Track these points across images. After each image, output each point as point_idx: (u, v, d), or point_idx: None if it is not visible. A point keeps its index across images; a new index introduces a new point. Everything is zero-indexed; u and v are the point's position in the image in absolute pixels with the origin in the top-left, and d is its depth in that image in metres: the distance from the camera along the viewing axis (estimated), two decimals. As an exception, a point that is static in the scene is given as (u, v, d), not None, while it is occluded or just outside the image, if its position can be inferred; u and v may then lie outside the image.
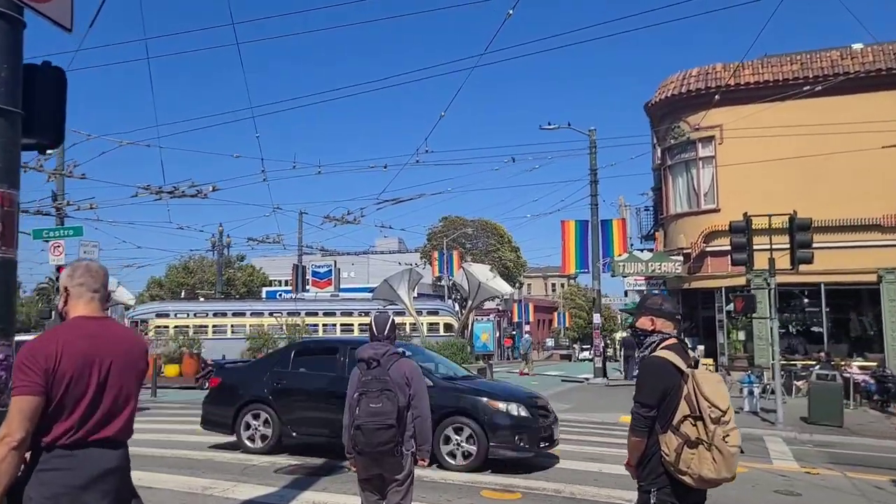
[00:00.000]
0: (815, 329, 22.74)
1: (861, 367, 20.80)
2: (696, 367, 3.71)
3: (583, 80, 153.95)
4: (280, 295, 49.33)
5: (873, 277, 21.22)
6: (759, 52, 24.41)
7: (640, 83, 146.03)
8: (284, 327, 23.74)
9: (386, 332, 4.81)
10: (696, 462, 3.48)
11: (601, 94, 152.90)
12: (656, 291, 24.55)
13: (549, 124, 26.98)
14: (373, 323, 4.87)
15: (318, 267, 46.95)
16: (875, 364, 20.63)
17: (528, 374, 31.87)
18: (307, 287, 43.34)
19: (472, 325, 31.74)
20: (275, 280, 64.62)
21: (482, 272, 22.01)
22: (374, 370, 4.60)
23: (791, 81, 21.78)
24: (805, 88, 20.26)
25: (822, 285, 21.68)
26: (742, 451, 3.61)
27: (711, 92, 22.39)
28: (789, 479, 8.80)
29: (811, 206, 17.97)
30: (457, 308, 34.51)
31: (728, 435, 3.50)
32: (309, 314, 30.53)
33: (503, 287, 22.77)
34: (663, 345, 3.77)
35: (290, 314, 31.03)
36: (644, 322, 3.92)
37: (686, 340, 4.18)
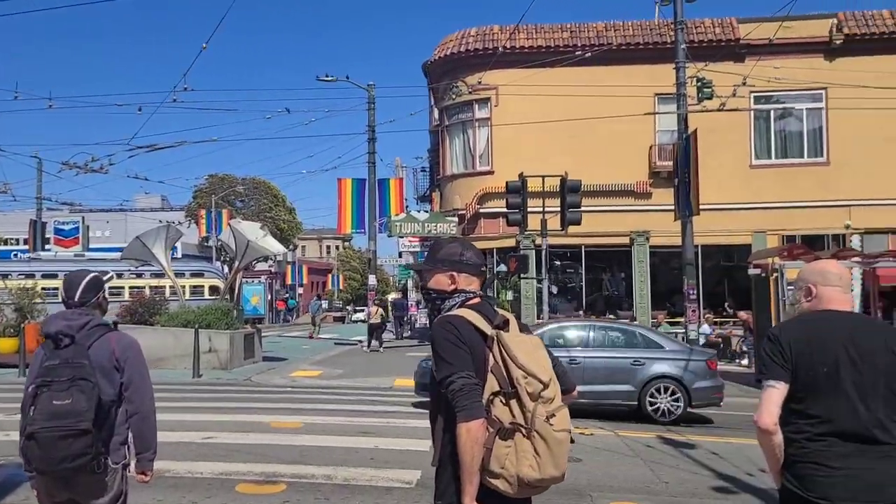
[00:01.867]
0: (572, 288, 24.01)
1: (614, 324, 22.34)
2: (505, 328, 2.60)
3: (364, 31, 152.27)
4: (16, 255, 42.96)
5: (626, 240, 22.77)
6: (533, 18, 25.29)
7: (421, 40, 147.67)
8: (13, 292, 20.07)
9: (78, 295, 3.35)
10: (513, 458, 2.43)
11: (382, 48, 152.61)
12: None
13: (327, 76, 25.56)
14: (63, 284, 3.41)
15: (63, 224, 41.38)
16: (626, 320, 22.22)
17: (314, 337, 30.76)
18: (47, 246, 38.01)
19: (241, 287, 29.68)
20: (11, 238, 56.35)
21: (251, 230, 20.23)
22: (65, 350, 3.19)
23: (561, 48, 22.43)
24: (577, 54, 20.91)
25: (583, 247, 22.86)
26: (573, 440, 2.63)
27: (489, 53, 22.41)
28: (566, 442, 8.64)
29: (577, 170, 18.59)
30: (226, 270, 32.12)
31: (553, 416, 2.47)
32: (46, 276, 26.54)
33: (274, 246, 21.18)
34: (465, 305, 2.69)
35: (24, 276, 26.78)
36: (440, 280, 2.74)
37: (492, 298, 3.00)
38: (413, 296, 37.01)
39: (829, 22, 21.99)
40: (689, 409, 10.87)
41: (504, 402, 2.48)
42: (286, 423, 9.61)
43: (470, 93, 23.24)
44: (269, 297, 47.03)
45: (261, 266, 46.06)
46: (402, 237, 28.42)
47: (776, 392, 2.71)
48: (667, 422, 10.56)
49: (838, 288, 2.90)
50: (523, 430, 2.45)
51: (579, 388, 3.10)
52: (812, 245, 19.83)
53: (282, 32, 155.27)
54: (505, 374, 2.49)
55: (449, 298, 2.72)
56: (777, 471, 2.79)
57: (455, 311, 2.65)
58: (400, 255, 34.16)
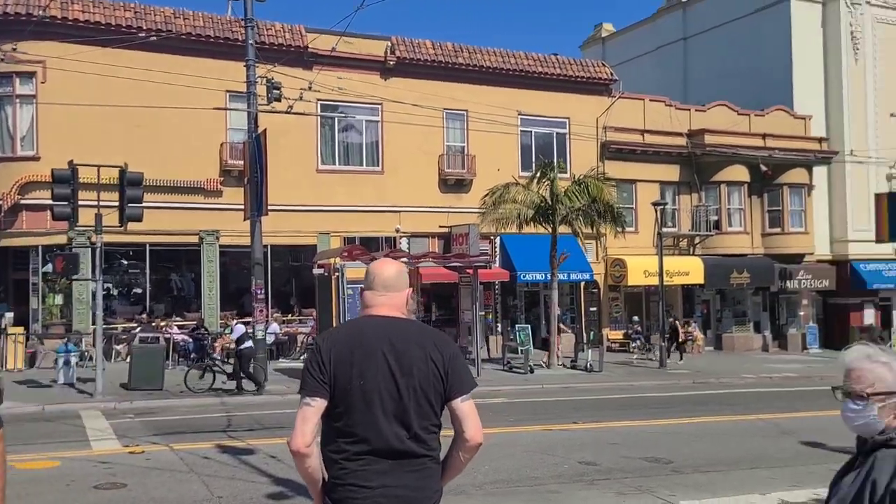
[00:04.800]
0: (136, 290, 22.31)
1: (180, 327, 21.32)
2: None
3: None
4: None
5: (195, 239, 21.94)
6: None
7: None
8: None
9: None
10: None
11: None
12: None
13: None
14: None
15: None
16: (194, 323, 21.40)
17: None
18: None
19: None
20: None
21: None
22: None
23: (124, 28, 20.57)
24: (141, 36, 19.37)
25: (148, 246, 21.35)
26: None
27: (33, 20, 19.43)
28: (112, 467, 7.73)
29: (141, 162, 17.20)
30: None
31: None
32: None
33: None
34: None
35: None
36: None
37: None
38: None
39: (385, 44, 24.27)
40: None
41: None
42: None
43: (2, 60, 19.76)
44: None
45: None
46: None
47: (311, 410, 2.50)
48: None
49: (377, 291, 2.67)
50: None
51: None
52: (369, 246, 21.68)
53: None
54: None
55: None
56: (318, 494, 2.59)
57: None
58: None
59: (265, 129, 17.11)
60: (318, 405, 2.51)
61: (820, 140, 29.92)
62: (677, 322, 25.17)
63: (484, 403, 14.26)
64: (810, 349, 29.46)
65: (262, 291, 17.73)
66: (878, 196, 28.48)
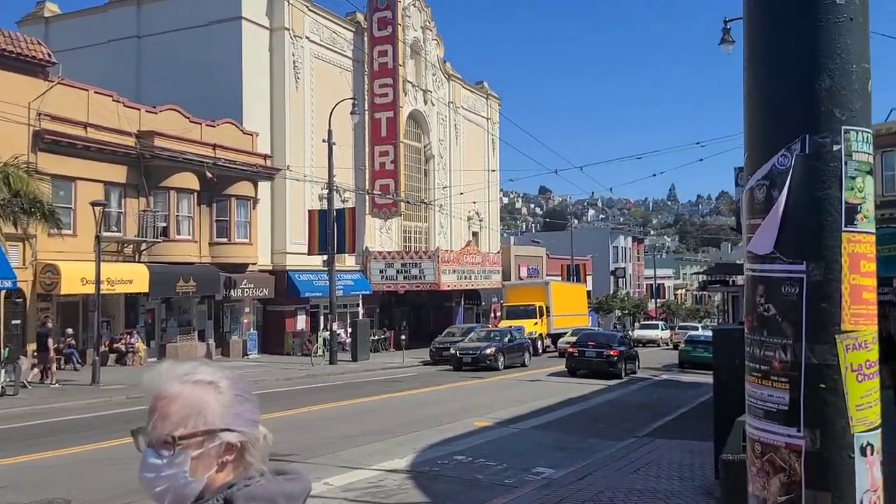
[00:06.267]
0: None
1: None
2: None
3: None
4: None
5: None
6: None
7: None
8: None
9: None
10: None
11: None
12: None
13: None
14: None
15: None
16: None
17: None
18: None
19: None
20: None
21: None
22: None
23: None
24: None
25: None
26: None
27: None
28: None
29: None
30: None
31: None
32: None
33: None
34: None
35: None
36: None
37: None
38: None
39: None
40: None
41: None
42: None
43: None
44: None
45: None
46: None
47: None
48: None
49: None
50: None
51: None
52: None
53: None
54: None
55: None
56: None
57: None
58: None
59: None
60: None
61: (265, 157, 31.82)
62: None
63: None
64: (250, 355, 31.00)
65: None
66: (310, 212, 31.81)
